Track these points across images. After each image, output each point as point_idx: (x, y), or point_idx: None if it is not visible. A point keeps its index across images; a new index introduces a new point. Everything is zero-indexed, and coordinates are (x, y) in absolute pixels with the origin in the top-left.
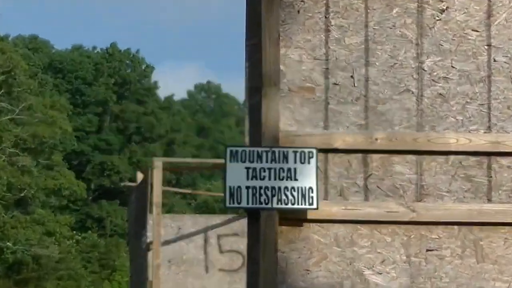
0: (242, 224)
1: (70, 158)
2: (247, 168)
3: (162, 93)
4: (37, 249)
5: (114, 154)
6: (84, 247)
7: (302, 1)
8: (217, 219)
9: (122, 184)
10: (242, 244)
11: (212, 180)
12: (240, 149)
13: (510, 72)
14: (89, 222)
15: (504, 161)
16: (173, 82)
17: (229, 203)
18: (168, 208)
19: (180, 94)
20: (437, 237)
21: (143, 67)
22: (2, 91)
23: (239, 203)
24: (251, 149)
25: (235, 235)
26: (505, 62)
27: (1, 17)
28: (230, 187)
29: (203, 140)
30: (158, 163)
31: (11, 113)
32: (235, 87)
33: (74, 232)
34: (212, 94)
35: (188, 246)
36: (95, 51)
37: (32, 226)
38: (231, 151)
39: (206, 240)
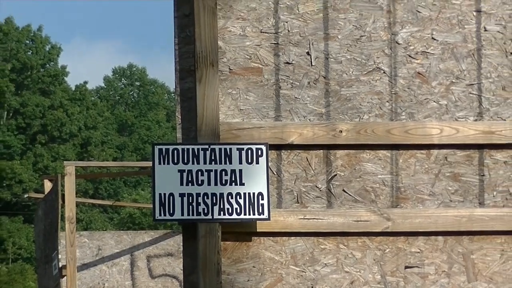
0: (177, 242)
1: None
2: (181, 171)
3: (72, 80)
4: None
5: (14, 159)
6: None
7: None
8: (146, 236)
9: (26, 196)
10: (178, 266)
11: (139, 188)
12: (171, 147)
13: (504, 43)
14: None
15: (500, 155)
16: (85, 67)
17: (159, 215)
18: (85, 225)
19: (95, 81)
20: (418, 250)
21: (47, 48)
22: None
23: (171, 215)
24: (185, 147)
25: (169, 256)
26: (498, 32)
27: None
28: (160, 195)
29: (125, 139)
30: (71, 168)
31: None
32: (164, 71)
33: None
34: (135, 80)
35: (111, 271)
36: None
37: None
38: (160, 150)
39: (133, 263)
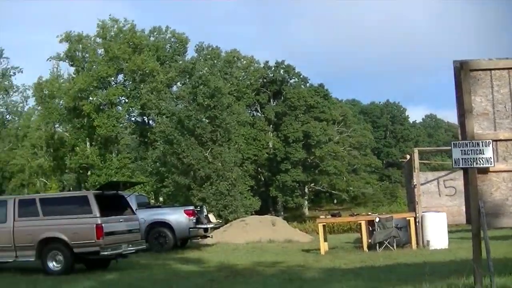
0: (458, 174)
1: None
2: (461, 150)
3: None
4: None
5: None
6: None
7: (479, 74)
8: (442, 173)
9: (401, 160)
10: (454, 183)
11: (442, 156)
12: (457, 142)
13: None
14: None
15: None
16: None
17: (454, 166)
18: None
19: None
20: None
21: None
22: None
23: (458, 165)
24: (463, 142)
25: (451, 180)
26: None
27: None
28: (454, 159)
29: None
30: (416, 150)
31: None
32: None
33: None
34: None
35: (430, 185)
36: None
37: None
38: (453, 143)
39: (438, 182)
